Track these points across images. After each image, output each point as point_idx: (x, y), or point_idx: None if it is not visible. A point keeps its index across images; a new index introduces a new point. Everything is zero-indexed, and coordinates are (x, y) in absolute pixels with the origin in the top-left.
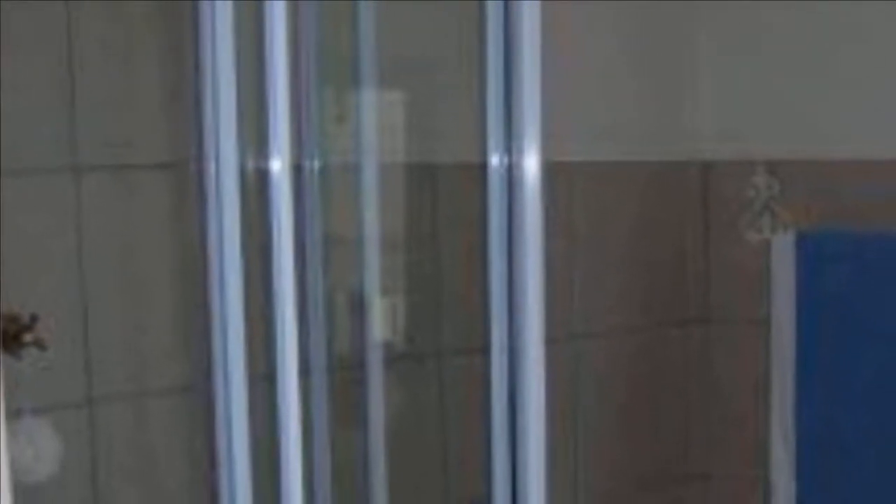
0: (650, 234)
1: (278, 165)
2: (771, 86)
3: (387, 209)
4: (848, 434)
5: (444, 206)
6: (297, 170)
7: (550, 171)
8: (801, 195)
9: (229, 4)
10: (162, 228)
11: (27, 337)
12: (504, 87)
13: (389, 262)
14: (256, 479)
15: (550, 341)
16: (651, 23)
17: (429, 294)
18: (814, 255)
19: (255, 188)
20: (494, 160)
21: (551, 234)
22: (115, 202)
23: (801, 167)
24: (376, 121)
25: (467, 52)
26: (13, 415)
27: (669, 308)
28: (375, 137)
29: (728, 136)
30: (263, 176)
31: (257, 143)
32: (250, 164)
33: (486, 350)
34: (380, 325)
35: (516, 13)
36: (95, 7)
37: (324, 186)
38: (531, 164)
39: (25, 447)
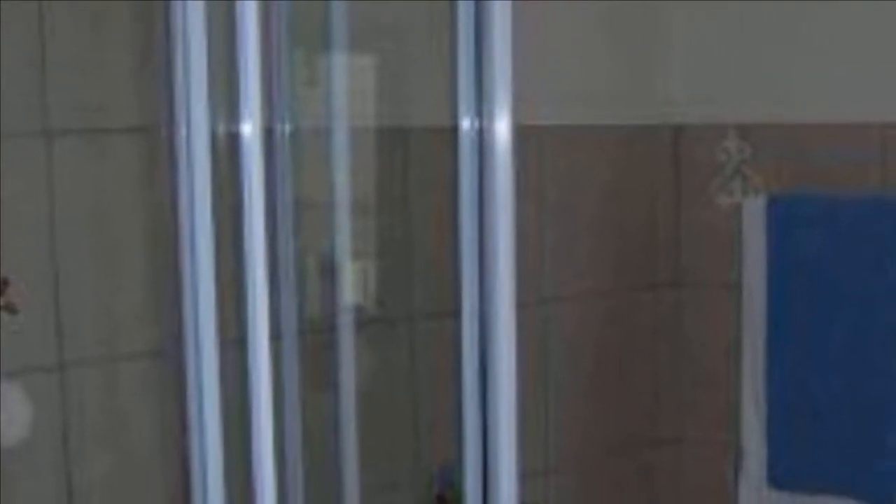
0: (621, 198)
1: (249, 129)
2: (742, 50)
3: (358, 173)
4: (819, 398)
5: (415, 169)
6: (268, 133)
7: (521, 135)
8: (772, 159)
9: None
10: (133, 192)
11: None
12: (475, 51)
13: (360, 226)
14: (227, 443)
15: (521, 305)
16: None
17: (400, 258)
18: (785, 218)
19: (226, 152)
20: (465, 124)
21: (522, 198)
22: (86, 166)
23: (772, 131)
24: (347, 85)
25: (438, 15)
26: None
27: (640, 272)
28: (346, 101)
29: (699, 99)
30: (234, 140)
31: (228, 106)
32: (221, 128)
33: (456, 314)
34: (351, 288)
35: None
36: None
37: (295, 150)
38: (502, 128)
39: None
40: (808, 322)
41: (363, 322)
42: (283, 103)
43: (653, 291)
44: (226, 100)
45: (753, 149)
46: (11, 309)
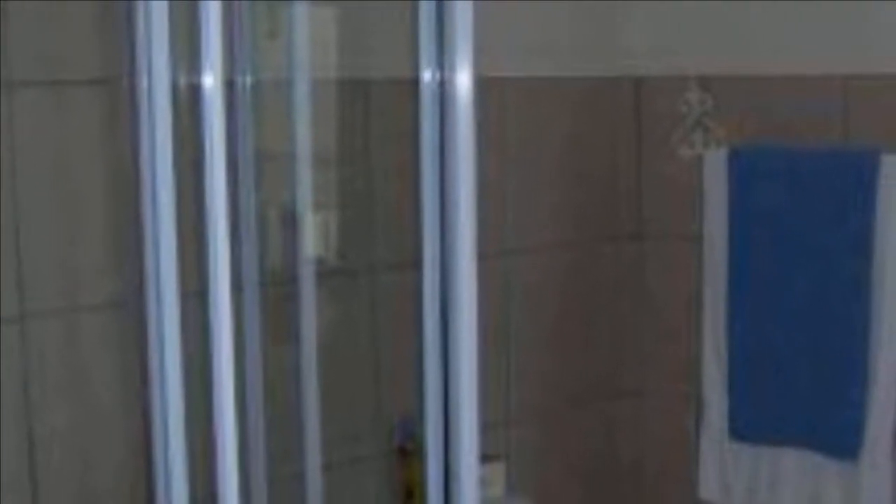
0: (583, 150)
1: (210, 81)
2: (703, 1)
3: (319, 125)
4: (780, 350)
5: (377, 121)
6: (230, 85)
7: (483, 86)
8: (734, 111)
9: None
10: (94, 144)
11: None
12: (436, 2)
13: (321, 178)
14: (188, 394)
15: (482, 257)
16: None
17: (361, 209)
18: (747, 170)
19: (188, 104)
20: (427, 75)
21: (483, 149)
22: (47, 118)
23: (733, 83)
24: (308, 36)
25: None
26: None
27: (602, 224)
28: (307, 53)
29: (661, 51)
30: (195, 91)
31: (189, 58)
32: (182, 80)
33: (418, 265)
34: (312, 240)
35: None
36: None
37: (256, 102)
38: (463, 80)
39: None
40: (770, 274)
41: (324, 273)
42: (244, 55)
43: (614, 243)
44: (187, 52)
45: (715, 101)
46: None
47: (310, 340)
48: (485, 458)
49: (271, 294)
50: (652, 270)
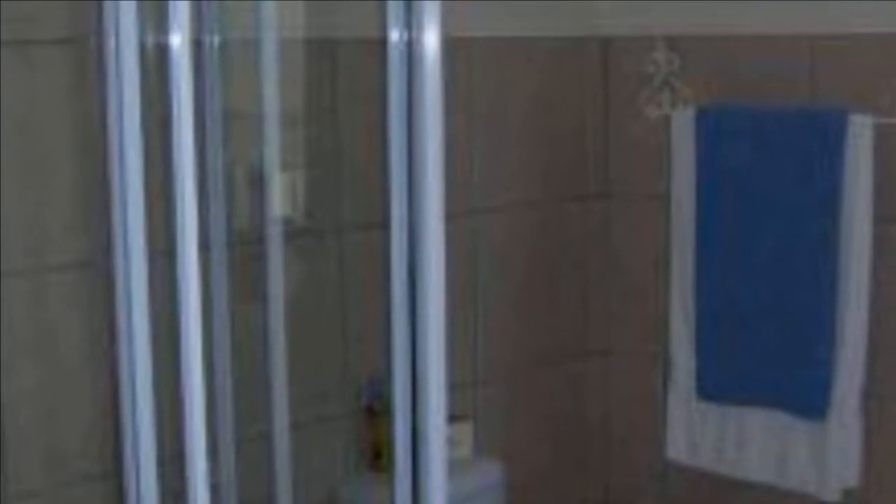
0: (550, 110)
1: (178, 40)
2: None
3: (286, 84)
4: (748, 309)
5: (344, 81)
6: (197, 45)
7: (450, 46)
8: (700, 70)
9: None
10: (62, 104)
11: None
12: None
13: (289, 138)
14: (156, 353)
15: (450, 216)
16: None
17: (329, 169)
18: (714, 130)
19: (155, 63)
20: (394, 35)
21: (451, 109)
22: (15, 78)
23: (700, 42)
24: None
25: None
26: None
27: (569, 183)
28: (275, 12)
29: (627, 11)
30: (163, 51)
31: (157, 18)
32: (150, 40)
33: (385, 225)
34: (279, 200)
35: None
36: None
37: (223, 61)
38: (431, 40)
39: None
40: (737, 233)
41: (292, 233)
42: (211, 15)
43: (582, 203)
44: (155, 11)
45: (682, 60)
46: None
47: (277, 300)
48: (452, 418)
49: (239, 253)
50: (619, 230)
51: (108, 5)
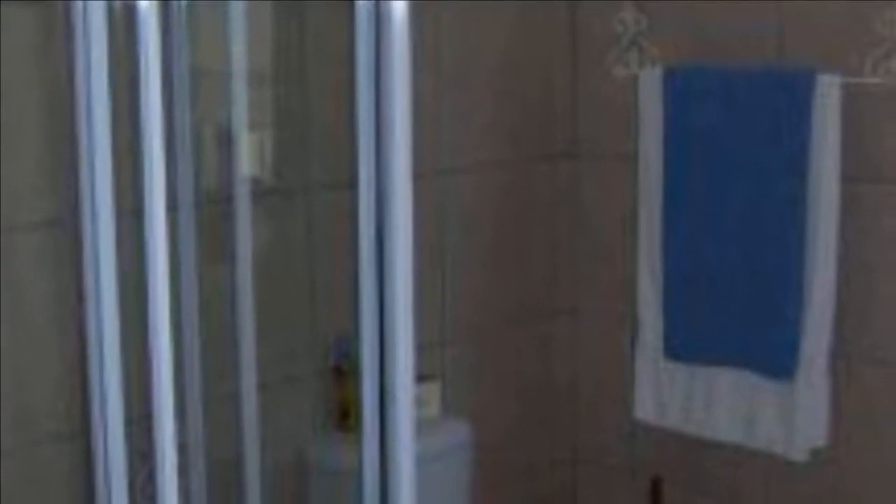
0: (518, 70)
1: None
2: None
3: (254, 44)
4: (715, 269)
5: (312, 40)
6: (165, 4)
7: (418, 6)
8: (669, 30)
9: None
10: (30, 63)
11: None
12: None
13: (257, 97)
14: (123, 313)
15: (418, 176)
16: None
17: (296, 129)
18: (681, 90)
19: (123, 22)
20: None
21: (418, 69)
22: None
23: (669, 2)
24: None
25: None
26: None
27: (537, 143)
28: None
29: None
30: (130, 10)
31: None
32: None
33: (353, 185)
34: (247, 159)
35: None
36: None
37: (191, 20)
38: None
39: None
40: (705, 193)
41: (260, 193)
42: None
43: (549, 162)
44: None
45: (650, 20)
46: None
47: (245, 260)
48: (420, 377)
49: (206, 213)
50: (587, 190)
51: None
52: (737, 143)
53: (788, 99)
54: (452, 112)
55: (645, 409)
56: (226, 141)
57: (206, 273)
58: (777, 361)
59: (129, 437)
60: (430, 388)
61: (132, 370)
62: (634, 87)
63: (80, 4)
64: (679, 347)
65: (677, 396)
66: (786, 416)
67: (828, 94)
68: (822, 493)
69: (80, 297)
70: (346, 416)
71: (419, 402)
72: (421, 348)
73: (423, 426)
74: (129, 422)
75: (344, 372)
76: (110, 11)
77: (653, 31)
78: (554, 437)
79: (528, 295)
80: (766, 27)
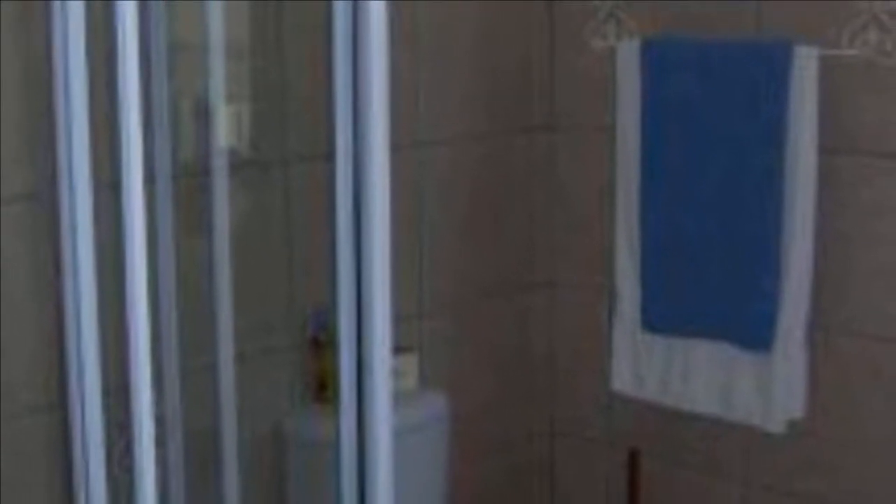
0: (495, 42)
1: None
2: None
3: (232, 16)
4: (693, 241)
5: (289, 12)
6: None
7: None
8: (645, 3)
9: None
10: (7, 36)
11: None
12: None
13: (234, 69)
14: (101, 285)
15: (395, 148)
16: None
17: (274, 101)
18: (659, 62)
19: None
20: None
21: (396, 41)
22: None
23: None
24: None
25: None
26: None
27: (514, 115)
28: None
29: None
30: None
31: None
32: None
33: (331, 157)
34: (225, 131)
35: None
36: None
37: None
38: None
39: None
40: (682, 165)
41: (237, 165)
42: None
43: (527, 135)
44: None
45: None
46: None
47: (222, 232)
48: (397, 349)
49: (184, 185)
50: (564, 162)
51: None
52: (714, 115)
53: (766, 71)
54: (430, 84)
55: (623, 381)
56: (203, 113)
57: (184, 245)
58: (754, 333)
59: (106, 408)
60: (408, 360)
61: (109, 342)
62: (612, 59)
63: None
64: (657, 319)
65: (655, 368)
66: (763, 387)
67: (805, 66)
68: (799, 464)
69: (58, 270)
70: (323, 388)
71: (396, 374)
72: (398, 320)
73: (400, 398)
74: (106, 393)
75: (321, 344)
76: None
77: (630, 3)
78: (531, 409)
79: (506, 267)
80: None
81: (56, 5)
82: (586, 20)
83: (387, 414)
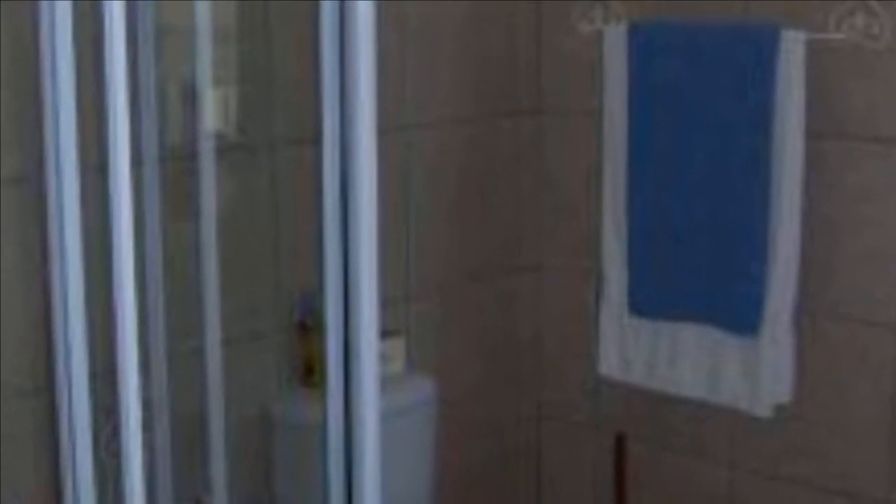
0: (482, 26)
1: None
2: None
3: None
4: (680, 224)
5: None
6: None
7: None
8: None
9: None
10: None
11: None
12: None
13: (221, 53)
14: (88, 269)
15: (382, 132)
16: None
17: (261, 84)
18: (646, 45)
19: None
20: None
21: (383, 24)
22: None
23: None
24: None
25: None
26: None
27: (501, 99)
28: None
29: None
30: None
31: None
32: None
33: (317, 140)
34: (212, 115)
35: None
36: None
37: None
38: None
39: None
40: (669, 148)
41: (224, 149)
42: None
43: (514, 118)
44: None
45: None
46: None
47: (209, 215)
48: (385, 333)
49: (171, 169)
50: (551, 145)
51: None
52: (701, 98)
53: (753, 55)
54: (417, 67)
55: (609, 364)
56: (190, 97)
57: (171, 229)
58: (741, 317)
59: (93, 392)
60: (395, 344)
61: (97, 325)
62: (599, 42)
63: None
64: (643, 303)
65: (642, 352)
66: (750, 371)
67: (792, 49)
68: (786, 448)
69: (45, 253)
70: (310, 372)
71: (383, 358)
72: (385, 304)
73: (387, 382)
74: (93, 377)
75: (308, 327)
76: None
77: None
78: (518, 393)
79: (493, 250)
80: None
81: None
82: (573, 4)
83: (374, 398)
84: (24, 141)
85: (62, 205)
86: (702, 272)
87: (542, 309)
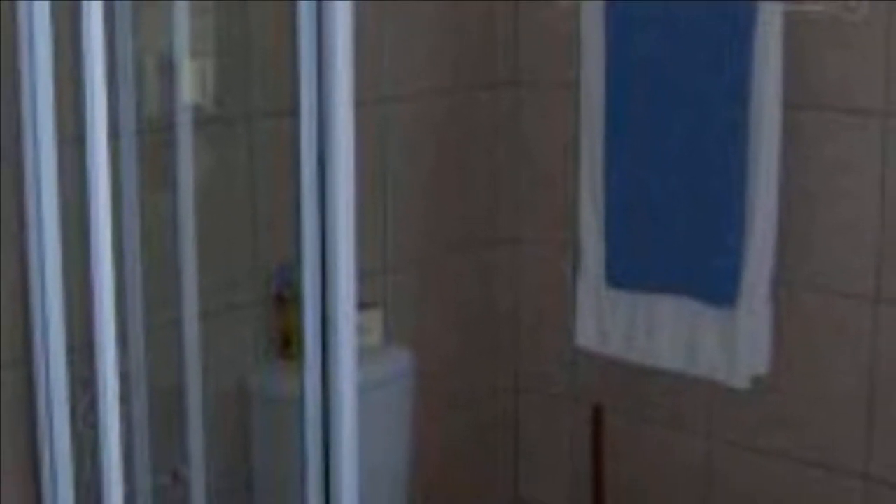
0: None
1: None
2: None
3: None
4: (657, 197)
5: None
6: None
7: None
8: None
9: None
10: None
11: None
12: None
13: (199, 25)
14: (65, 241)
15: (359, 104)
16: None
17: (238, 56)
18: (623, 17)
19: None
20: None
21: None
22: None
23: None
24: None
25: None
26: None
27: (479, 71)
28: None
29: None
30: None
31: None
32: None
33: (294, 112)
34: (189, 87)
35: None
36: None
37: None
38: None
39: None
40: (647, 121)
41: (201, 121)
42: None
43: (491, 90)
44: None
45: None
46: None
47: (187, 187)
48: (362, 305)
49: (148, 141)
50: (529, 117)
51: None
52: (679, 71)
53: (730, 27)
54: (394, 39)
55: (587, 336)
56: (168, 69)
57: (148, 201)
58: (719, 289)
59: (70, 364)
60: (372, 316)
61: (74, 298)
62: (577, 15)
63: None
64: (621, 275)
65: (619, 324)
66: (727, 343)
67: (770, 21)
68: (763, 420)
69: (22, 225)
70: (287, 344)
71: (361, 330)
72: (363, 276)
73: (364, 354)
74: (71, 349)
75: (286, 300)
76: None
77: None
78: (496, 365)
79: (470, 223)
80: None
81: None
82: None
83: (351, 370)
84: (1, 113)
85: (39, 177)
86: (679, 244)
87: (519, 281)
